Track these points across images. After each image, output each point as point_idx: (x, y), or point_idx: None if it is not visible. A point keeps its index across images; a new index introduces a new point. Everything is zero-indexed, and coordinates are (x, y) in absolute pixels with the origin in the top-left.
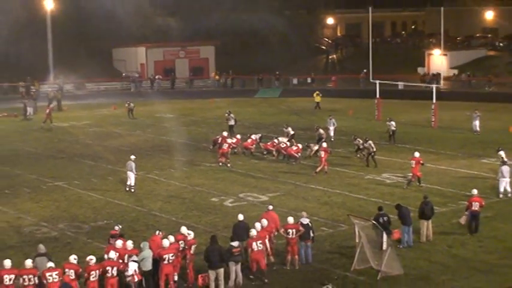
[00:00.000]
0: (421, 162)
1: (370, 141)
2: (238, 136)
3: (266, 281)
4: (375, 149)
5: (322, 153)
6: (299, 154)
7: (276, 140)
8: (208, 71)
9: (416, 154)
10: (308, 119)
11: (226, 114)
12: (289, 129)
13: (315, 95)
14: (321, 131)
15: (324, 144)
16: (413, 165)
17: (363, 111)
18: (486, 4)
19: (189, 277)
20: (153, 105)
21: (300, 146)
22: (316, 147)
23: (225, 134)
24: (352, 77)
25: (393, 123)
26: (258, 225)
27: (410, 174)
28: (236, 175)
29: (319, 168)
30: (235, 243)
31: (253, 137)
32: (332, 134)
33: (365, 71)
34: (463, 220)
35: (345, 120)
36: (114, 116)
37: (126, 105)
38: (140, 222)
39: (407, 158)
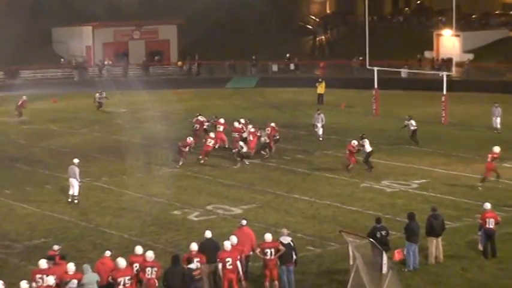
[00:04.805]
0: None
1: (366, 140)
2: (222, 120)
3: None
4: (370, 149)
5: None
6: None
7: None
8: (170, 56)
9: (496, 149)
10: (291, 114)
11: (201, 118)
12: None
13: (317, 84)
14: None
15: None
16: (490, 160)
17: (357, 104)
18: None
19: None
20: None
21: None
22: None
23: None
24: (345, 63)
25: (413, 121)
26: (227, 243)
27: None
28: (203, 183)
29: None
30: (193, 265)
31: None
32: (320, 132)
33: (361, 58)
34: (480, 246)
35: (336, 116)
36: (53, 111)
37: (97, 95)
38: (85, 240)
39: (411, 161)
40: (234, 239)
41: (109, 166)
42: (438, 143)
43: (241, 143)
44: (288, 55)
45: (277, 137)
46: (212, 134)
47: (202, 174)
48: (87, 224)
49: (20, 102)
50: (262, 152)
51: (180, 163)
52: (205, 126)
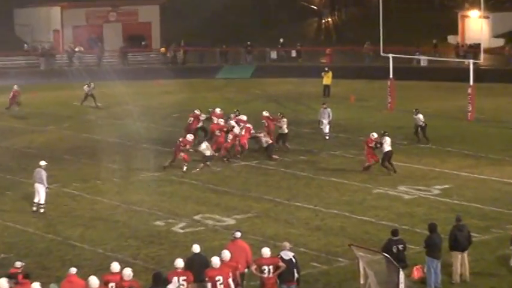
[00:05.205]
0: None
1: (387, 138)
2: (218, 110)
3: None
4: (388, 149)
5: None
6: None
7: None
8: (151, 41)
9: None
10: (292, 108)
11: (197, 112)
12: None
13: (323, 74)
14: (285, 120)
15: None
16: None
17: (370, 97)
18: None
19: None
20: (71, 89)
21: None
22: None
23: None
24: (355, 50)
25: (420, 116)
26: (215, 259)
27: None
28: (190, 188)
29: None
30: (171, 286)
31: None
32: (327, 130)
33: (368, 43)
34: None
35: (345, 111)
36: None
37: (86, 87)
38: (53, 255)
39: (432, 163)
40: (226, 253)
41: (80, 169)
42: (463, 142)
43: (203, 145)
44: (281, 40)
45: (285, 130)
46: (236, 130)
47: (189, 179)
48: (55, 236)
49: (11, 95)
50: (274, 156)
51: (166, 163)
52: (200, 123)
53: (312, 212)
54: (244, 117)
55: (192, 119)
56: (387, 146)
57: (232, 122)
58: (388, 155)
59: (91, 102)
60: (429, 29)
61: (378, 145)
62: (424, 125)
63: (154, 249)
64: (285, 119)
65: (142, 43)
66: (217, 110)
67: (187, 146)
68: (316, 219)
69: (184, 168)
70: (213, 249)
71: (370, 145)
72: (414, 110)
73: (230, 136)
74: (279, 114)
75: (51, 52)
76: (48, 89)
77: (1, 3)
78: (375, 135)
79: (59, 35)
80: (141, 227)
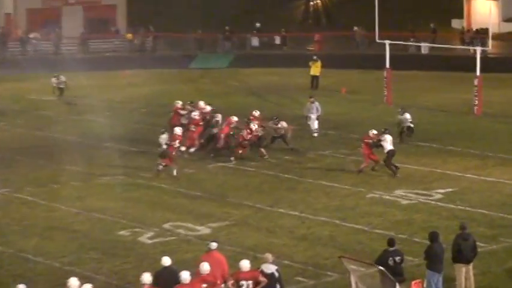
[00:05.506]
0: None
1: (387, 136)
2: (202, 103)
3: None
4: (390, 148)
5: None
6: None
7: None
8: (116, 26)
9: None
10: (274, 102)
11: (178, 104)
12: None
13: (310, 63)
14: (284, 123)
15: None
16: None
17: (363, 89)
18: None
19: None
20: (25, 81)
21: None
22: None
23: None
24: (347, 36)
25: (407, 115)
26: (185, 274)
27: None
28: (160, 193)
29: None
30: None
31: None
32: (315, 126)
33: (356, 28)
34: None
35: (336, 105)
36: None
37: (54, 79)
38: (3, 270)
39: (434, 164)
40: (205, 266)
41: (35, 172)
42: (468, 139)
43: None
44: (258, 25)
45: (282, 132)
46: (253, 125)
47: (157, 183)
48: (6, 249)
49: None
50: (263, 150)
51: (174, 172)
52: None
53: (298, 219)
54: (207, 108)
55: (172, 113)
56: (389, 145)
57: (219, 116)
58: (390, 155)
59: (53, 95)
60: (430, 12)
61: (378, 143)
62: (411, 125)
63: (118, 262)
64: (283, 123)
65: (112, 29)
66: (201, 103)
67: (177, 142)
68: (302, 227)
69: (160, 166)
70: (185, 262)
71: (366, 141)
72: (400, 110)
73: (245, 131)
74: (274, 118)
75: (2, 39)
76: None
77: None
78: (375, 132)
79: (10, 19)
80: (103, 237)
